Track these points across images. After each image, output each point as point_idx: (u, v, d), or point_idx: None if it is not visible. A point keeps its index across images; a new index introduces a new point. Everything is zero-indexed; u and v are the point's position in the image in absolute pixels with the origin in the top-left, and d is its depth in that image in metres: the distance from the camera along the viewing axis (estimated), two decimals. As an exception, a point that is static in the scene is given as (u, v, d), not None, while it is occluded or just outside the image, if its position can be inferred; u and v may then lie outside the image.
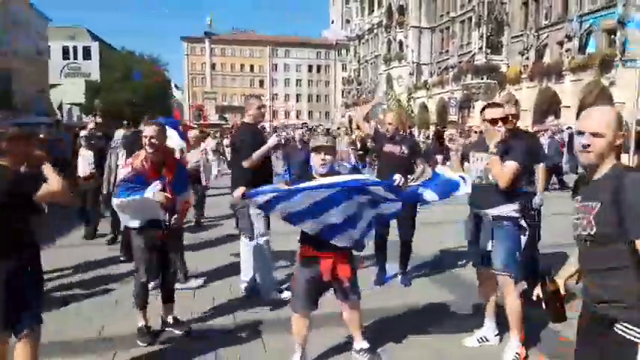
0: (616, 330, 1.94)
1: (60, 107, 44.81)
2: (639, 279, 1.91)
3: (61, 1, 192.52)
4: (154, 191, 3.81)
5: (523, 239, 3.77)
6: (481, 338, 4.06)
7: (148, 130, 4.01)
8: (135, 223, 4.02)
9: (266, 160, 5.07)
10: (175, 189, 4.03)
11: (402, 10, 47.41)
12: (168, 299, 4.32)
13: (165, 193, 3.87)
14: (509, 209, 3.71)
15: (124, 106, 43.23)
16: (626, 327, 1.92)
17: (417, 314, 4.73)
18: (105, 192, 7.07)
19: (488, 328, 4.09)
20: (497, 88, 34.76)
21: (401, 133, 5.86)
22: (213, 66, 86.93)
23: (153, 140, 3.94)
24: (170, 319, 4.31)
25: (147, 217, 3.99)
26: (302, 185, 3.33)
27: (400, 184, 3.47)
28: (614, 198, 1.92)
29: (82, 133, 8.80)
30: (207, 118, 66.35)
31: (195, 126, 22.17)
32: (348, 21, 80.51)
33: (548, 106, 30.62)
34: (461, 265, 6.27)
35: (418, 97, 44.84)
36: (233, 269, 5.78)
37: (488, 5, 35.28)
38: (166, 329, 4.28)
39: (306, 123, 45.88)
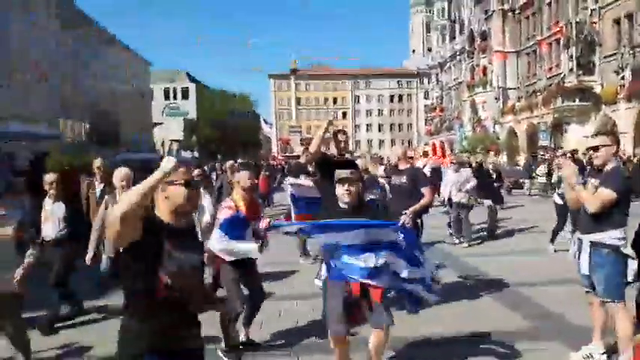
0: None
1: (162, 144, 48.80)
2: None
3: (161, 47, 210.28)
4: (253, 248, 4.07)
5: (631, 265, 3.71)
6: (588, 355, 4.09)
7: (247, 174, 4.47)
8: (230, 257, 4.22)
9: None
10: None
11: (484, 35, 46.92)
12: (251, 321, 4.57)
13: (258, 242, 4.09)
14: (608, 236, 3.71)
15: (217, 142, 46.22)
16: None
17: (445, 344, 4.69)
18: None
19: (596, 346, 4.11)
20: (591, 110, 33.12)
21: (406, 165, 6.02)
22: (298, 101, 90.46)
23: (253, 182, 4.45)
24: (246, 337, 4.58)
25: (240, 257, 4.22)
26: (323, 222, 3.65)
27: (406, 224, 3.65)
28: None
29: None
30: (293, 150, 68.84)
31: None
32: (429, 49, 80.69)
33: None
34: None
35: (505, 122, 43.68)
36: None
37: (577, 26, 34.06)
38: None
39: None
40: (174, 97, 62.66)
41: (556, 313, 5.36)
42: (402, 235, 3.55)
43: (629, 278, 3.75)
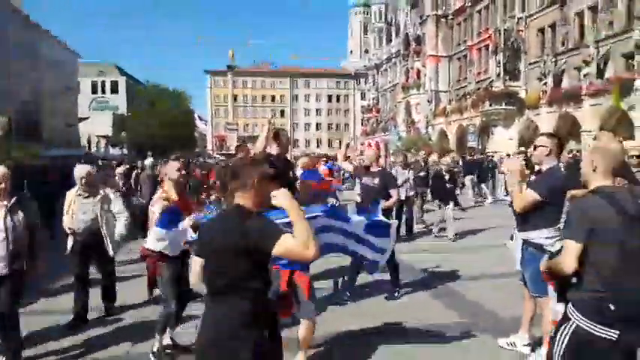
0: None
1: (89, 140, 46.39)
2: None
3: (91, 38, 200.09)
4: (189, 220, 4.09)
5: None
6: (511, 343, 4.29)
7: (175, 165, 4.46)
8: (170, 252, 4.19)
9: None
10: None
11: (418, 39, 48.21)
12: (177, 322, 4.53)
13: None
14: (537, 234, 3.85)
15: (149, 138, 44.53)
16: None
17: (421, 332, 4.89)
18: None
19: (521, 336, 4.28)
20: (516, 113, 34.85)
21: (378, 167, 6.64)
22: (235, 98, 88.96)
23: (181, 174, 4.42)
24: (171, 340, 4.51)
25: (180, 249, 4.20)
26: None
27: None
28: None
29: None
30: (230, 147, 67.63)
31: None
32: (366, 51, 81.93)
33: (569, 131, 30.53)
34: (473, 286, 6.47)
35: (437, 124, 45.10)
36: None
37: (505, 33, 35.72)
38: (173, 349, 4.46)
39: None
40: (103, 91, 59.68)
41: (492, 306, 5.55)
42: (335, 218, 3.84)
43: None
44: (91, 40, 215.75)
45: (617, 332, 2.18)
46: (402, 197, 9.78)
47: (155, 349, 4.29)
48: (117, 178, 10.22)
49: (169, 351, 4.39)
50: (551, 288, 2.71)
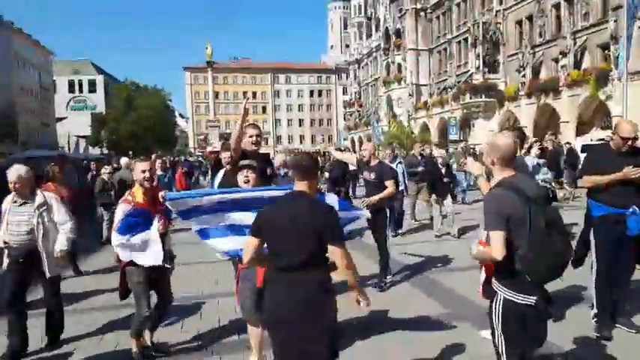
0: None
1: (68, 141, 45.60)
2: None
3: (66, 35, 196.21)
4: (157, 226, 4.00)
5: None
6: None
7: (141, 165, 4.17)
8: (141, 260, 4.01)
9: None
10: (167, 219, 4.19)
11: (398, 33, 48.30)
12: (156, 326, 4.41)
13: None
14: None
15: (129, 137, 43.91)
16: None
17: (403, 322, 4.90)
18: None
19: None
20: (496, 106, 35.18)
21: (375, 161, 6.69)
22: (216, 94, 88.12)
23: (148, 174, 4.10)
24: (150, 342, 4.38)
25: (154, 259, 4.01)
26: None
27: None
28: None
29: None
30: (212, 145, 67.10)
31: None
32: (347, 45, 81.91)
33: (548, 121, 30.95)
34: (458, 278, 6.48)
35: (419, 118, 45.33)
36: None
37: (483, 25, 35.97)
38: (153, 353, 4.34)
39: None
40: (80, 90, 58.63)
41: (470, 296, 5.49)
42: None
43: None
44: (65, 38, 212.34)
45: (534, 298, 2.61)
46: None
47: (133, 353, 4.20)
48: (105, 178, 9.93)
49: (153, 353, 4.31)
50: (483, 273, 3.02)
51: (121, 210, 4.04)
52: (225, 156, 5.41)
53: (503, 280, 2.68)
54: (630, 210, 4.08)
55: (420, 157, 12.58)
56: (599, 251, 4.37)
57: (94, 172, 13.18)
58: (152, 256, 4.01)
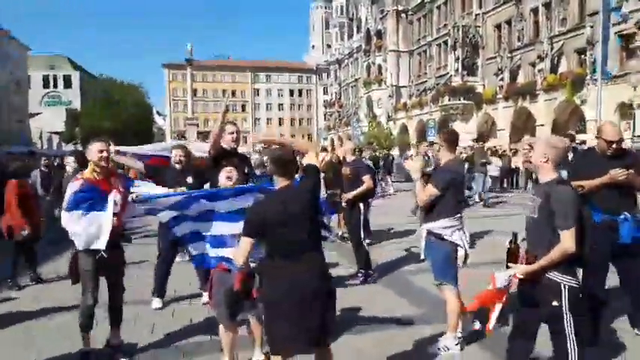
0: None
1: (40, 137, 44.52)
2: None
3: (41, 29, 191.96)
4: (114, 199, 3.85)
5: (459, 252, 4.17)
6: (443, 347, 4.16)
7: (97, 146, 3.95)
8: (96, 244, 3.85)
9: None
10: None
11: (379, 34, 48.50)
12: (116, 321, 4.21)
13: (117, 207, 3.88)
14: (438, 225, 4.12)
15: (105, 134, 43.07)
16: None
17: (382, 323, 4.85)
18: None
19: (449, 338, 4.22)
20: (474, 108, 35.57)
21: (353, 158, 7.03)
22: (194, 92, 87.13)
23: (105, 154, 3.96)
24: (116, 342, 4.18)
25: (99, 236, 3.84)
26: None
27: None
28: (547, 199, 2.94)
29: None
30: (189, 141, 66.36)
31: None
32: (329, 45, 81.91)
33: (524, 125, 31.41)
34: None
35: (398, 119, 45.56)
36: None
37: (463, 29, 36.33)
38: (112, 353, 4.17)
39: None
40: (55, 86, 57.31)
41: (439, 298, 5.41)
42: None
43: (459, 263, 4.20)
44: (41, 32, 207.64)
45: (579, 280, 3.03)
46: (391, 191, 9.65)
47: (85, 350, 4.04)
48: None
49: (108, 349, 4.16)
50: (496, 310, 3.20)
51: (71, 189, 3.86)
52: (175, 154, 5.74)
53: (564, 271, 2.94)
54: (622, 217, 4.00)
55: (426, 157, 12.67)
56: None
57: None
58: (102, 240, 3.83)
